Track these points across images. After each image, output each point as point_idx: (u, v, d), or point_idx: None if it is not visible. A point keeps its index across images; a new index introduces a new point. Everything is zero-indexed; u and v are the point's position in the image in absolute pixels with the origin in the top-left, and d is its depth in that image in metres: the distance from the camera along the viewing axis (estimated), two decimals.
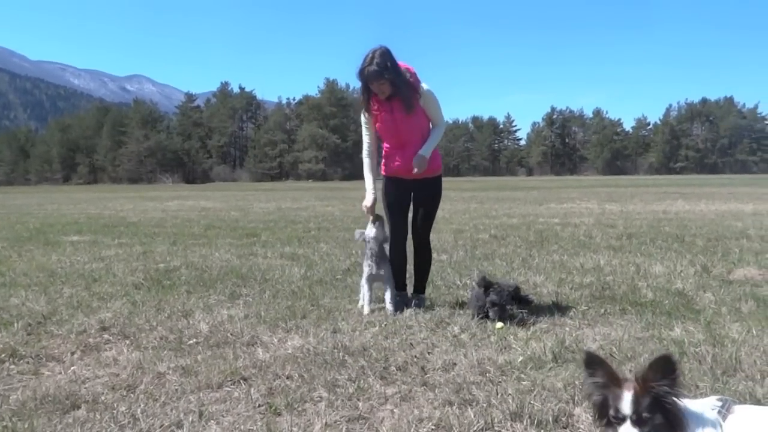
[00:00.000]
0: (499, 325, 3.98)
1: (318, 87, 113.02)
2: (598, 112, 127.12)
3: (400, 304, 4.60)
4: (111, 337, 3.98)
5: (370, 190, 4.58)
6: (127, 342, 3.87)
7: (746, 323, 4.00)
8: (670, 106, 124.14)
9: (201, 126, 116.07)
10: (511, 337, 3.77)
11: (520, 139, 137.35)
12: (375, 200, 4.58)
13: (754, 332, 3.78)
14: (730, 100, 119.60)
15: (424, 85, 4.43)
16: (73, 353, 3.67)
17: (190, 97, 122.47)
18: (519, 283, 5.51)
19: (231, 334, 3.95)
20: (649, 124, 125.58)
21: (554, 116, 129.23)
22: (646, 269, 6.15)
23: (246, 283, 5.77)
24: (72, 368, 3.38)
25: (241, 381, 3.10)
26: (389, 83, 4.25)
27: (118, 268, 6.86)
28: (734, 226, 10.46)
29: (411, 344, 3.69)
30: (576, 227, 10.78)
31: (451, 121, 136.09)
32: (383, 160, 4.66)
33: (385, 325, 4.16)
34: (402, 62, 4.34)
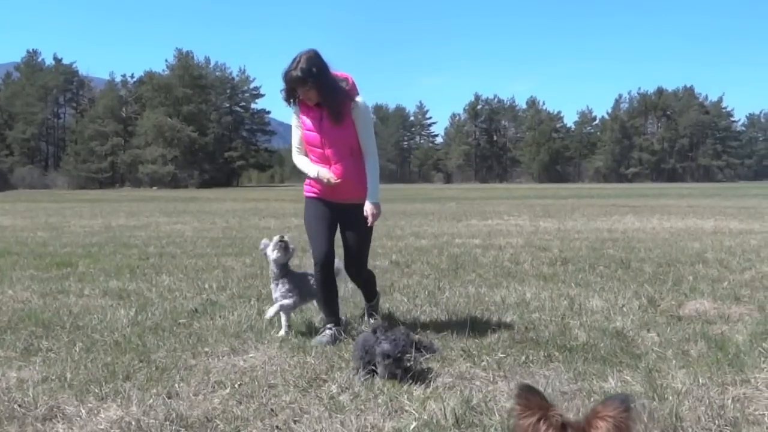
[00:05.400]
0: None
1: (166, 61, 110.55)
2: (533, 103, 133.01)
3: (331, 337, 5.23)
4: None
5: (323, 169, 5.22)
6: None
7: (693, 369, 4.30)
8: (620, 96, 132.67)
9: None
10: (405, 396, 3.84)
11: (436, 135, 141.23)
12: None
13: (701, 381, 4.07)
14: (690, 91, 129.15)
15: (359, 98, 5.22)
16: None
17: None
18: (421, 323, 5.68)
19: (20, 406, 3.76)
20: (595, 118, 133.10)
21: (479, 106, 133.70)
22: (582, 303, 6.49)
23: (49, 333, 5.53)
24: None
25: None
26: (316, 90, 5.04)
27: None
28: (690, 248, 11.25)
29: (272, 410, 3.68)
30: (501, 250, 11.18)
31: None
32: (307, 179, 5.42)
33: (240, 385, 4.12)
34: (340, 72, 5.21)
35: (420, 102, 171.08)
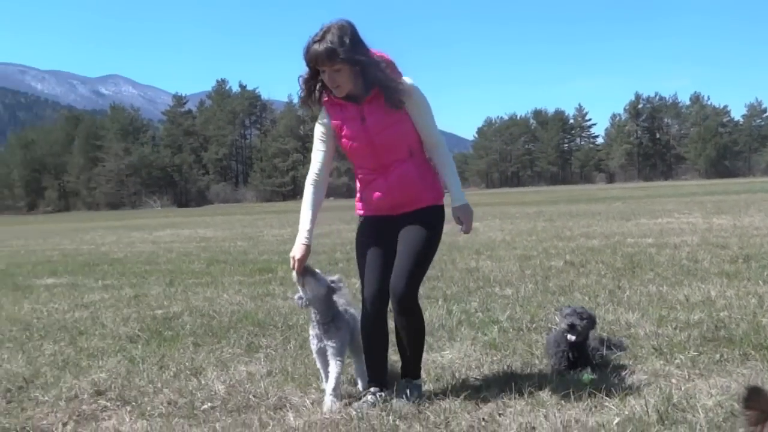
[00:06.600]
0: (587, 377, 4.03)
1: None
2: (697, 99, 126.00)
3: (370, 403, 3.82)
4: (108, 403, 4.15)
5: (302, 234, 3.89)
6: (128, 408, 4.03)
7: None
8: None
9: (194, 135, 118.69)
10: (603, 392, 3.81)
11: (597, 136, 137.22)
12: (308, 251, 3.88)
13: None
14: None
15: (407, 79, 3.82)
16: (65, 424, 3.84)
17: (180, 100, 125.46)
18: (607, 321, 5.57)
19: (253, 396, 4.08)
20: (765, 110, 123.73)
21: (640, 105, 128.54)
22: None
23: (265, 332, 5.93)
24: None
25: None
26: (348, 71, 3.63)
27: (107, 317, 7.10)
28: None
29: (477, 404, 3.75)
30: (676, 249, 10.70)
31: (507, 117, 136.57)
32: (357, 193, 4.10)
33: (442, 379, 4.24)
34: (374, 50, 3.77)
35: (579, 104, 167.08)
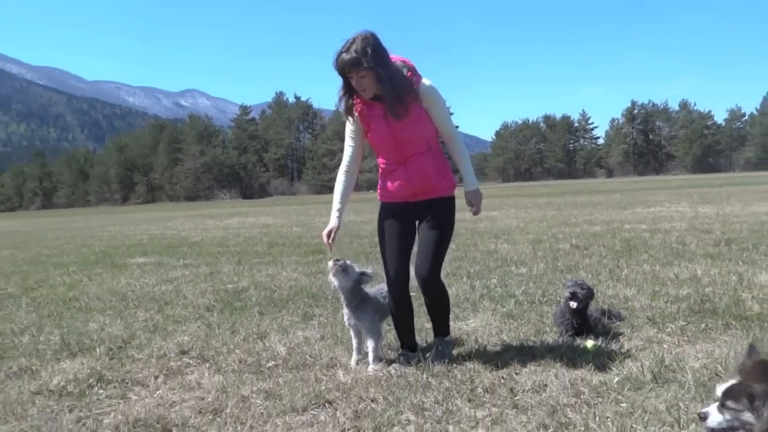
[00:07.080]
0: (591, 343, 3.99)
1: None
2: (685, 105, 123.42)
3: (406, 360, 3.90)
4: (191, 361, 4.23)
5: (334, 212, 3.88)
6: (207, 365, 4.11)
7: None
8: None
9: (257, 139, 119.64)
10: (605, 356, 3.77)
11: (598, 137, 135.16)
12: (337, 227, 3.87)
13: None
14: None
15: (426, 81, 3.69)
16: (156, 377, 3.93)
17: (245, 110, 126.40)
18: (608, 296, 5.51)
19: (309, 356, 4.13)
20: (744, 115, 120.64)
21: (635, 111, 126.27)
22: (750, 279, 5.97)
23: (317, 303, 5.97)
24: (158, 392, 3.64)
25: (326, 404, 3.26)
26: (372, 77, 3.52)
27: (188, 290, 7.22)
28: None
29: (497, 365, 3.74)
30: (667, 233, 10.50)
31: (520, 121, 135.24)
32: (379, 181, 3.97)
33: (467, 344, 4.24)
34: (397, 56, 3.67)
35: (583, 110, 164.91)
